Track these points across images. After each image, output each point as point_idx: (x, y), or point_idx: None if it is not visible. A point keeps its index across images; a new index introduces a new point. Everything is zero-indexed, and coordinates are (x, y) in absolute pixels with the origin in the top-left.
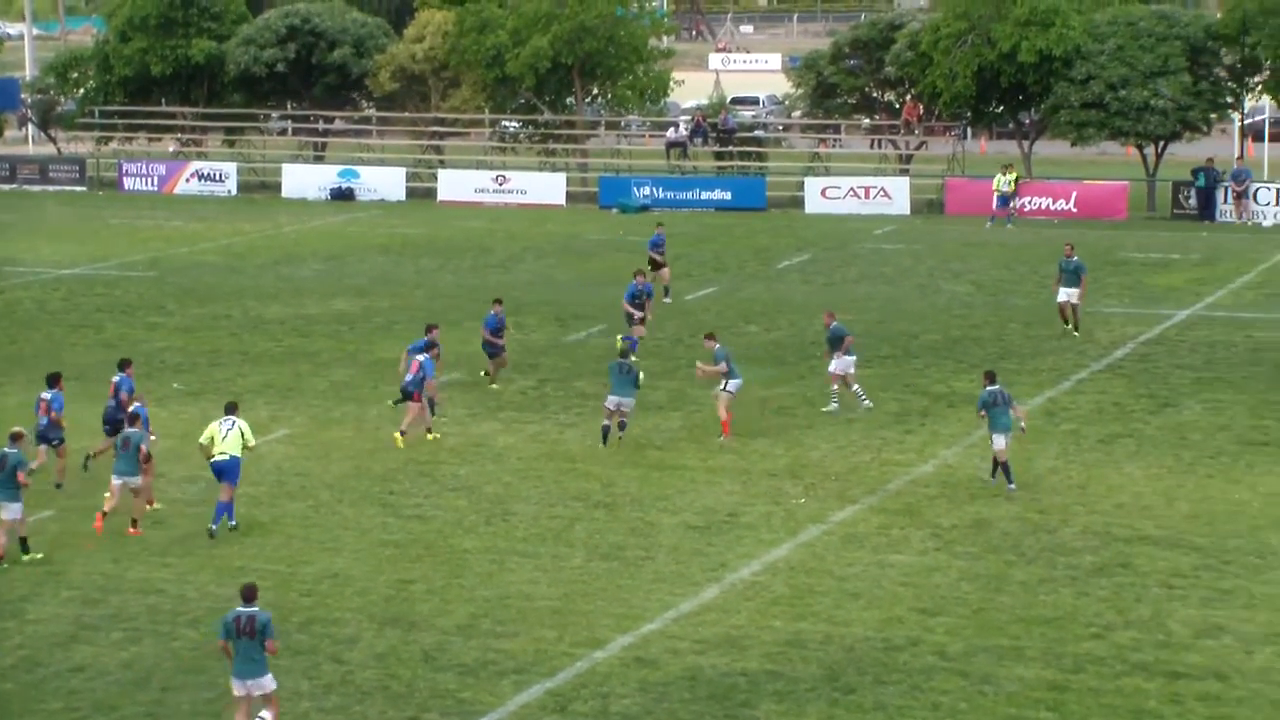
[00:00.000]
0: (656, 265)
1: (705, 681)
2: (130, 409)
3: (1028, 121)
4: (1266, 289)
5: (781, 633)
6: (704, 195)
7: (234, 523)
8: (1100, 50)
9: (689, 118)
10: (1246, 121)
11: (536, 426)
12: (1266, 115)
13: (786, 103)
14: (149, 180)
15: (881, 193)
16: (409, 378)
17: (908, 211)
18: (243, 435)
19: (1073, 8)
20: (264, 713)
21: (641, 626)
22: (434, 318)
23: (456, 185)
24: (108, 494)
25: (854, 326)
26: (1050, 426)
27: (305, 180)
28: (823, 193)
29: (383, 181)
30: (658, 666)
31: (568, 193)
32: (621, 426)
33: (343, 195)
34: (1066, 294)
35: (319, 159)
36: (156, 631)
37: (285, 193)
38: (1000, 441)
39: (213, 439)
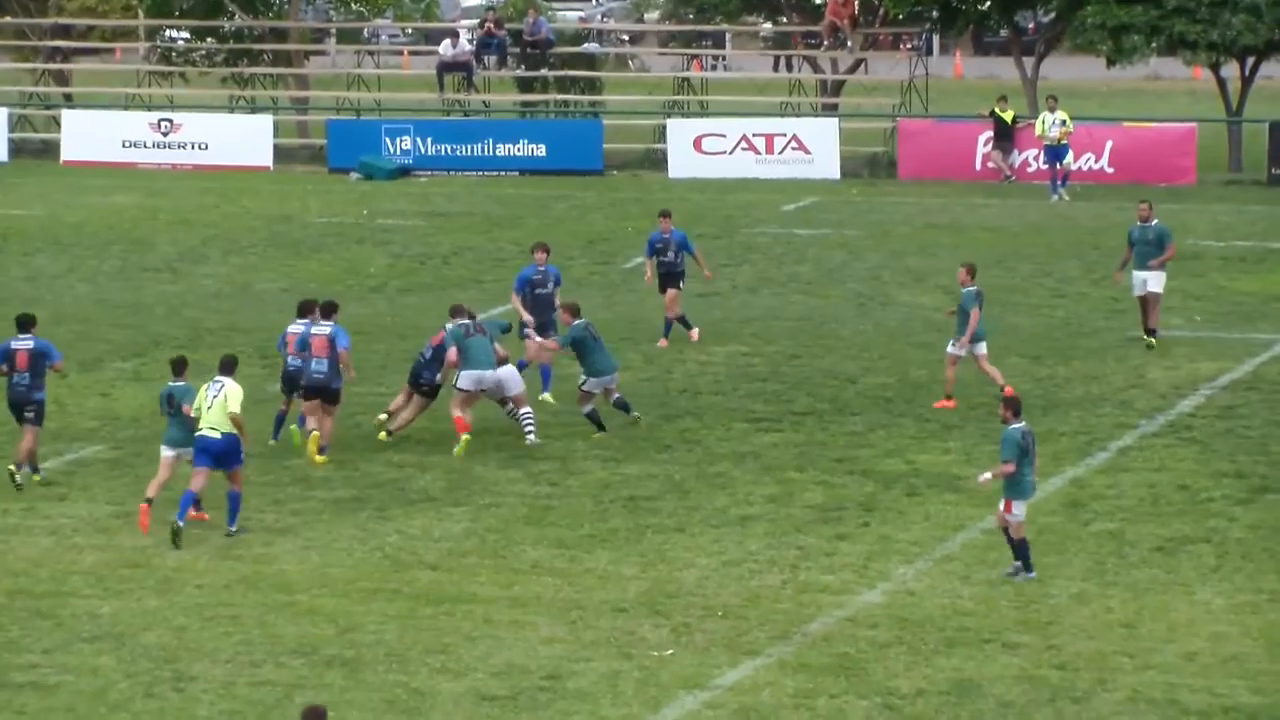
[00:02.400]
0: (666, 279)
1: None
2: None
3: (1031, 26)
4: None
5: None
6: (502, 151)
7: (233, 529)
8: None
9: (475, 22)
10: None
11: (226, 534)
12: None
13: None
14: None
15: (794, 144)
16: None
17: (837, 175)
18: (227, 402)
19: None
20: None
21: None
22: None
23: (91, 136)
24: None
25: (757, 366)
26: (1075, 526)
27: None
28: (697, 144)
29: None
30: None
31: (276, 147)
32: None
33: None
34: (1144, 279)
35: None
36: None
37: None
38: (1021, 511)
39: (200, 408)
